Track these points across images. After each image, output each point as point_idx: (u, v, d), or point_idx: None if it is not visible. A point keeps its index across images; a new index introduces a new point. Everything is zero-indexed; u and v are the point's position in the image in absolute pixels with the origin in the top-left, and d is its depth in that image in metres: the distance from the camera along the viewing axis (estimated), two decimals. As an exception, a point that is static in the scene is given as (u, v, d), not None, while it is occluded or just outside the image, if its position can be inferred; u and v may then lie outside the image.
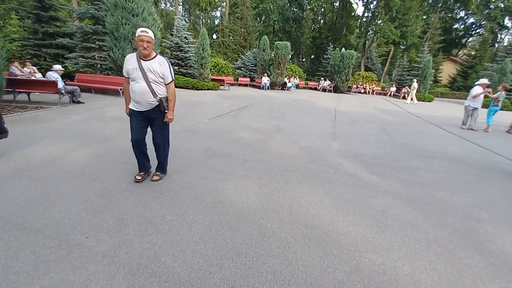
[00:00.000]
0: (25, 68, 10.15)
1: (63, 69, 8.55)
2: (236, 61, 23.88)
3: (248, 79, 21.52)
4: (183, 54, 16.04)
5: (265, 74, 20.02)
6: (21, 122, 5.32)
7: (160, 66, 2.59)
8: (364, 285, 1.69)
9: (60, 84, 7.30)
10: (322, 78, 25.40)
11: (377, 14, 28.10)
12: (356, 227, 2.35)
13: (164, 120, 2.79)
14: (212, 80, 16.42)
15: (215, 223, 2.25)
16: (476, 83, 8.61)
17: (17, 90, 7.22)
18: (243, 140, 5.04)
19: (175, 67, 16.14)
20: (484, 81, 8.40)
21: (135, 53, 2.62)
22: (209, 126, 6.09)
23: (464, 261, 2.00)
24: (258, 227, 2.25)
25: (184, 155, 3.94)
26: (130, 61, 2.60)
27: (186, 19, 41.58)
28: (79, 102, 7.91)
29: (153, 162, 3.13)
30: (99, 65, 11.96)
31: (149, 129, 2.90)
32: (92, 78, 10.36)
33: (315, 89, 25.19)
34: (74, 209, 2.32)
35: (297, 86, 23.84)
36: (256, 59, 22.45)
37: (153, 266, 1.72)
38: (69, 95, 7.75)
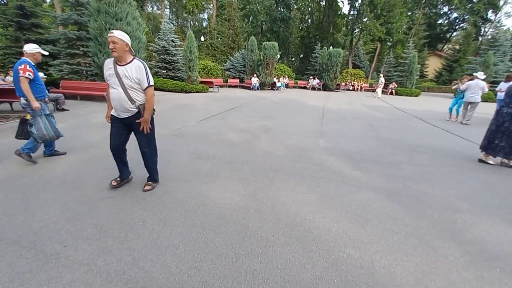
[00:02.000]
0: (7, 77, 9.94)
1: (46, 76, 8.40)
2: (225, 63, 23.84)
3: (238, 80, 21.52)
4: (170, 58, 15.94)
5: (254, 75, 20.07)
6: (3, 132, 5.20)
7: (136, 71, 2.46)
8: (341, 280, 1.72)
9: (43, 92, 7.15)
10: (311, 77, 25.60)
11: (362, 12, 28.48)
12: (336, 223, 2.38)
13: (140, 128, 2.64)
14: (201, 82, 16.36)
15: (197, 226, 2.26)
16: (481, 78, 8.27)
17: (0, 100, 7.07)
18: (230, 142, 5.05)
19: (163, 71, 16.02)
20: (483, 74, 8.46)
21: (113, 58, 2.51)
22: (196, 128, 6.08)
23: (440, 251, 2.06)
24: (240, 227, 2.26)
25: (169, 159, 3.92)
26: (108, 67, 2.52)
27: (174, 22, 41.34)
28: (63, 110, 7.77)
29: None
30: (84, 71, 11.78)
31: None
32: (77, 85, 10.20)
33: (305, 88, 25.38)
34: (53, 218, 2.29)
35: (287, 86, 23.98)
36: (244, 60, 22.48)
37: (130, 272, 1.71)
38: (53, 103, 7.61)
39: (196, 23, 45.22)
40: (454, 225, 2.45)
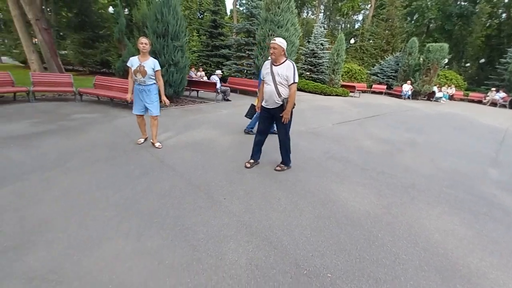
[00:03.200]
0: (198, 73, 13.59)
1: (221, 73, 10.87)
2: (373, 67, 22.09)
3: (385, 87, 19.42)
4: (316, 60, 16.54)
5: (408, 82, 17.45)
6: (192, 111, 7.27)
7: (285, 69, 2.93)
8: (495, 337, 1.38)
9: (218, 85, 9.36)
10: (494, 89, 19.36)
11: None
12: (498, 272, 1.85)
13: (281, 119, 3.09)
14: (342, 86, 16.04)
15: (324, 217, 2.39)
16: None
17: (192, 88, 9.87)
18: (366, 149, 4.80)
19: (307, 73, 16.88)
20: None
21: (270, 60, 3.10)
22: (332, 130, 6.14)
23: None
24: (367, 234, 2.20)
25: (304, 153, 4.23)
26: (266, 67, 3.13)
27: (325, 25, 42.17)
28: (228, 100, 9.85)
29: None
30: (245, 71, 14.32)
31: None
32: (238, 81, 12.56)
33: (479, 102, 19.56)
34: (219, 177, 3.08)
35: (451, 97, 19.34)
36: (398, 64, 19.93)
37: (266, 233, 2.08)
38: (222, 94, 9.80)
39: (348, 25, 44.13)
40: None
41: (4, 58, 18.21)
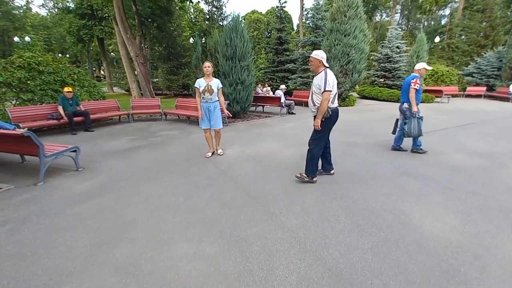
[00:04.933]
0: (264, 89, 14.16)
1: (286, 87, 11.05)
2: (466, 66, 18.71)
3: (483, 89, 16.13)
4: (391, 65, 15.08)
5: (517, 80, 14.09)
6: (257, 125, 7.59)
7: (319, 79, 3.04)
8: None
9: (282, 99, 9.54)
10: None
11: None
12: None
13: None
14: (425, 91, 14.07)
15: (390, 242, 2.13)
16: None
17: (258, 104, 10.35)
18: (453, 164, 4.07)
19: (381, 79, 15.53)
20: None
21: None
22: (408, 142, 5.43)
23: None
24: (446, 266, 1.85)
25: (370, 168, 3.88)
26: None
27: (403, 26, 38.32)
28: (292, 113, 9.90)
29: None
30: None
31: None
32: (303, 94, 12.48)
33: None
34: (277, 191, 3.12)
35: None
36: (501, 61, 16.36)
37: (321, 253, 1.99)
38: (287, 107, 9.91)
39: (432, 23, 38.99)
40: None
41: (115, 89, 22.98)
